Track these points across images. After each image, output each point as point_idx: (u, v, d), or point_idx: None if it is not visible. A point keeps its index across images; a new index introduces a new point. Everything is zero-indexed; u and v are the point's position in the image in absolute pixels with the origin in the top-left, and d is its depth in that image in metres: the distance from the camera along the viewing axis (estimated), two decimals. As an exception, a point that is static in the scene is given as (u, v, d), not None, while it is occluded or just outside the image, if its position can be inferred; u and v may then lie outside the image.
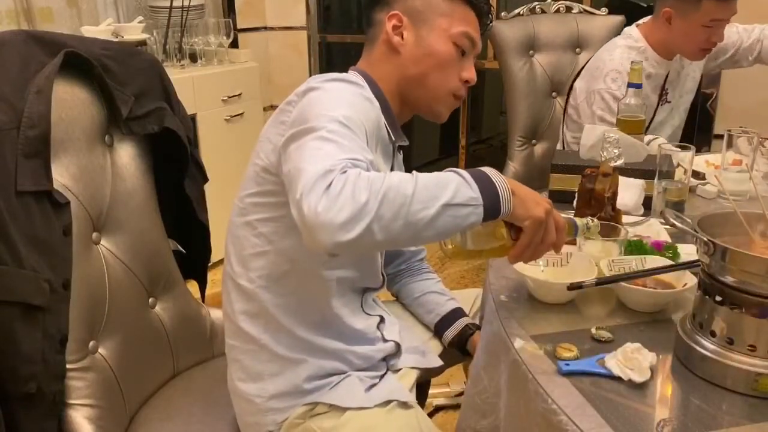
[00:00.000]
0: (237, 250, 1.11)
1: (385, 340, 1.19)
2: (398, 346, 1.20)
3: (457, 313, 1.34)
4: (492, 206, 0.87)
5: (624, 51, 1.94)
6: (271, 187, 1.04)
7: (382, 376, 1.16)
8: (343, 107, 0.95)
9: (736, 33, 2.11)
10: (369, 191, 0.82)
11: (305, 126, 0.93)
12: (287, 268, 1.07)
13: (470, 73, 1.16)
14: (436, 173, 0.88)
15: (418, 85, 1.14)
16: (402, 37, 1.13)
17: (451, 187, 0.85)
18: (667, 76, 2.00)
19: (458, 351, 1.33)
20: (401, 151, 1.26)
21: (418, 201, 0.83)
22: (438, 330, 1.34)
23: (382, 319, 1.20)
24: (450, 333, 1.32)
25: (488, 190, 0.87)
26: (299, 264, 1.06)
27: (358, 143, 0.92)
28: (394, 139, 1.16)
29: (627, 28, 2.03)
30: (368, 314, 1.18)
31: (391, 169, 1.19)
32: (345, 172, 0.83)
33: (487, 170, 0.90)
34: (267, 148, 1.04)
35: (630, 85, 1.64)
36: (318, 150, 0.88)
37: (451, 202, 0.84)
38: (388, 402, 1.09)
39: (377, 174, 0.85)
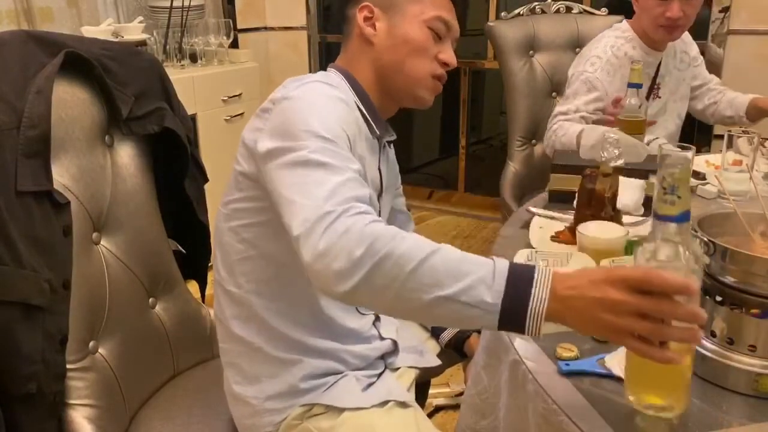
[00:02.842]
0: (223, 256, 1.10)
1: (381, 338, 1.18)
2: (395, 343, 1.20)
3: None
4: (511, 320, 0.75)
5: (610, 39, 2.00)
6: (252, 192, 1.03)
7: (379, 375, 1.16)
8: (320, 116, 0.95)
9: (711, 79, 2.21)
10: (366, 248, 0.77)
11: (285, 144, 0.92)
12: (274, 271, 1.06)
13: (448, 56, 1.12)
14: (470, 256, 0.78)
15: (396, 73, 1.12)
16: (374, 28, 1.11)
17: (465, 280, 0.75)
18: (658, 69, 2.02)
19: (455, 352, 1.33)
20: (392, 146, 1.25)
21: (415, 281, 0.76)
22: (435, 331, 1.34)
23: (377, 317, 1.20)
24: (446, 335, 1.32)
25: (517, 300, 0.74)
26: (286, 267, 1.05)
27: (343, 156, 0.91)
28: (378, 133, 1.14)
29: (617, 23, 2.07)
30: (362, 313, 1.17)
31: (379, 166, 1.17)
32: (352, 215, 0.81)
33: (538, 275, 0.75)
34: (245, 154, 1.03)
35: (630, 85, 1.64)
36: (307, 177, 0.87)
37: (454, 298, 0.75)
38: (386, 402, 1.09)
39: (388, 230, 0.79)
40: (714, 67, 2.80)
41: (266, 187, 0.96)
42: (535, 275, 0.75)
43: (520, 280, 0.75)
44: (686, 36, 2.09)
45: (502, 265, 0.77)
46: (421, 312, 0.78)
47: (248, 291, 1.08)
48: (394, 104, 1.17)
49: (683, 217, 0.70)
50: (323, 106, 0.98)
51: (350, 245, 0.78)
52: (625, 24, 2.02)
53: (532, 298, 0.74)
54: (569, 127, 1.91)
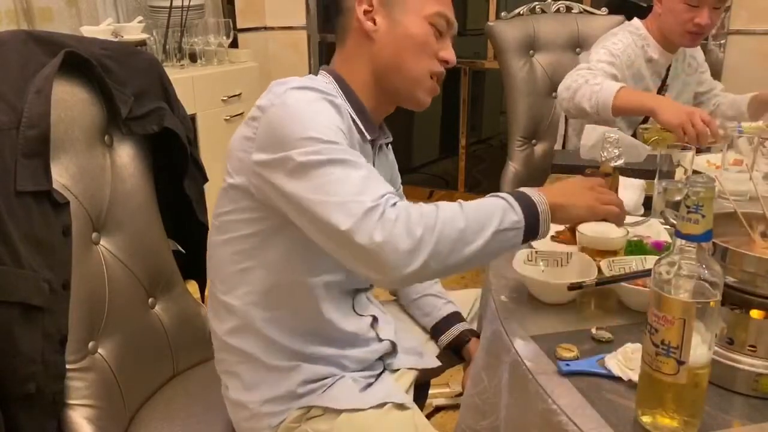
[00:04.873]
0: (220, 268, 1.09)
1: (380, 340, 1.17)
2: (394, 345, 1.19)
3: (453, 319, 1.33)
4: (531, 228, 0.93)
5: (625, 34, 1.98)
6: (246, 203, 1.02)
7: (378, 376, 1.15)
8: (312, 122, 0.94)
9: (717, 86, 2.19)
10: (423, 226, 0.87)
11: (285, 153, 0.92)
12: (274, 280, 1.05)
13: (449, 54, 1.10)
14: (480, 201, 0.94)
15: (396, 71, 1.08)
16: (374, 23, 1.07)
17: (498, 213, 0.91)
18: (668, 71, 2.01)
19: (454, 355, 1.33)
20: (389, 147, 1.24)
21: (471, 232, 0.89)
22: (433, 334, 1.34)
23: (375, 319, 1.18)
24: (445, 339, 1.31)
25: (529, 211, 0.93)
26: (285, 274, 1.05)
27: (351, 152, 0.94)
28: (369, 137, 1.11)
29: (629, 22, 2.06)
30: (360, 315, 1.15)
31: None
32: (394, 205, 0.89)
33: (530, 192, 0.95)
34: (236, 166, 1.01)
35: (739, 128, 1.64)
36: (326, 177, 0.90)
37: (499, 228, 0.90)
38: (384, 404, 1.08)
39: (428, 207, 0.90)
40: (713, 69, 2.80)
41: (269, 197, 0.97)
42: (525, 190, 0.96)
43: (520, 197, 0.94)
44: None
45: (503, 195, 0.94)
46: (476, 256, 0.90)
47: (247, 303, 1.07)
48: (390, 105, 1.14)
49: (706, 237, 0.71)
50: (313, 110, 0.96)
51: (408, 227, 0.86)
52: (637, 22, 2.01)
53: (538, 205, 0.94)
54: (603, 80, 1.78)
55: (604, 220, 1.03)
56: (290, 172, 0.92)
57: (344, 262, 0.93)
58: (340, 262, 0.94)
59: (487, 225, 0.90)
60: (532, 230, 0.94)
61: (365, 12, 1.08)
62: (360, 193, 0.88)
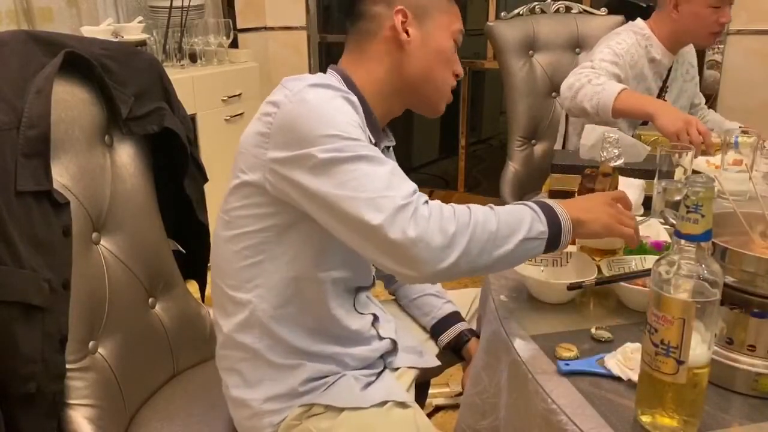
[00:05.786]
0: (228, 264, 1.08)
1: (380, 338, 1.17)
2: (394, 343, 1.19)
3: (452, 318, 1.33)
4: (553, 240, 0.95)
5: (629, 34, 1.97)
6: (259, 199, 1.02)
7: (379, 374, 1.15)
8: (331, 119, 0.94)
9: (703, 99, 2.23)
10: (456, 224, 0.89)
11: (303, 151, 0.92)
12: (283, 274, 1.05)
13: (460, 68, 1.17)
14: (510, 207, 0.95)
15: (426, 81, 1.12)
16: (408, 34, 1.09)
17: (526, 221, 0.93)
18: (669, 71, 2.01)
19: (454, 354, 1.33)
20: (391, 150, 1.24)
21: (501, 236, 0.91)
22: (433, 333, 1.34)
23: (376, 318, 1.19)
24: (444, 338, 1.32)
25: (553, 223, 0.95)
26: (295, 269, 1.05)
27: (373, 148, 0.94)
28: (374, 141, 1.11)
29: (632, 22, 2.05)
30: (361, 313, 1.16)
31: None
32: (426, 202, 0.90)
33: (553, 204, 0.97)
34: (249, 162, 1.01)
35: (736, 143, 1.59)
36: (351, 173, 0.90)
37: (527, 236, 0.92)
38: (385, 402, 1.08)
39: (460, 207, 0.92)
40: (712, 72, 2.80)
41: (286, 194, 0.97)
42: (549, 202, 0.98)
43: (544, 208, 0.96)
44: (691, 48, 2.10)
45: (530, 204, 0.97)
46: (503, 260, 0.92)
47: (254, 297, 1.06)
48: (400, 110, 1.16)
49: (705, 236, 0.72)
50: (333, 108, 0.97)
51: (441, 224, 0.88)
52: (641, 22, 2.01)
53: (561, 218, 0.96)
54: (605, 81, 1.77)
55: None
56: (312, 169, 0.92)
57: (371, 257, 0.93)
58: (367, 257, 0.95)
59: (516, 231, 0.92)
60: (553, 242, 0.95)
61: (401, 23, 1.09)
62: (388, 189, 0.89)
